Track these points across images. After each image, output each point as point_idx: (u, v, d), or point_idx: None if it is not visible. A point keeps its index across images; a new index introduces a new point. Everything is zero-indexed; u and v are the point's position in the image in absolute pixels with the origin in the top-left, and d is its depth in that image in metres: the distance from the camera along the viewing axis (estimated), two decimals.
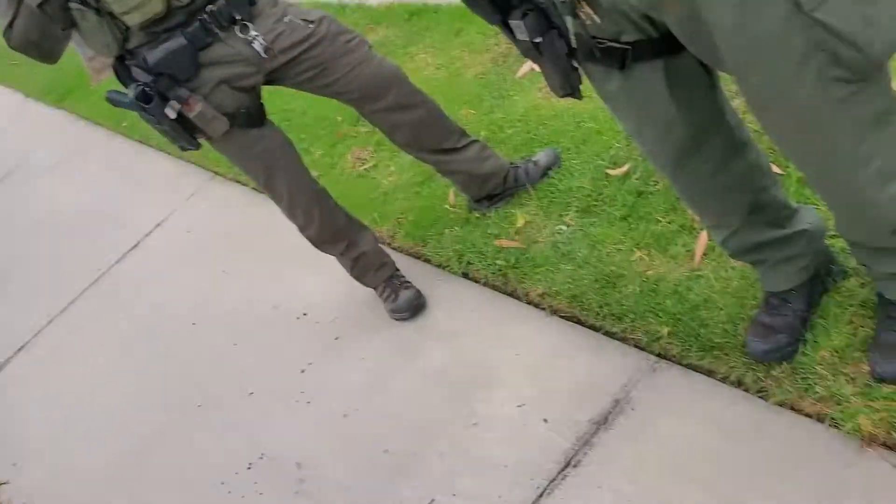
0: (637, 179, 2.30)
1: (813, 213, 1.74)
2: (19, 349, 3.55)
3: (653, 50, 1.30)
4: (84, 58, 6.34)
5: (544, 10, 1.27)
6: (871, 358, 1.61)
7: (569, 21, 1.26)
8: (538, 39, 1.30)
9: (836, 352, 1.67)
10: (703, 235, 2.04)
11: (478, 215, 2.56)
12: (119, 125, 5.17)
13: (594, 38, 1.29)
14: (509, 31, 1.33)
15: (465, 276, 2.45)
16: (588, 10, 1.22)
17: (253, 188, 3.54)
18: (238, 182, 3.69)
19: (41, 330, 3.56)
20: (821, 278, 1.76)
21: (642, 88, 1.35)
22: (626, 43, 1.28)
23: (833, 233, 1.82)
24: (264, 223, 3.26)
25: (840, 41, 1.13)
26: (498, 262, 2.35)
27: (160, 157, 4.49)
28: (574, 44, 1.30)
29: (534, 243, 2.35)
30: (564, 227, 2.33)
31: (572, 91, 1.38)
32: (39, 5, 1.87)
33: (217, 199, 3.72)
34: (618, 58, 1.31)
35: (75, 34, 2.02)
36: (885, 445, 1.51)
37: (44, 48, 2.03)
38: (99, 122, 5.52)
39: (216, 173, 3.89)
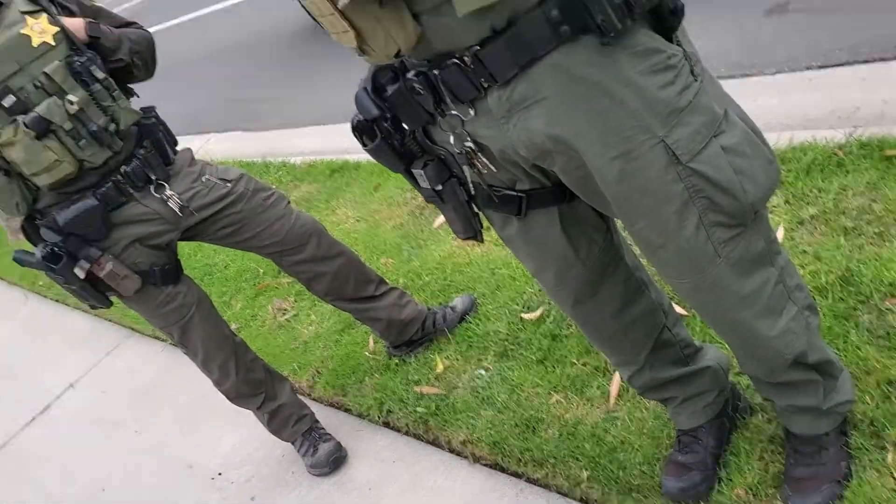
0: (551, 323, 2.35)
1: (716, 351, 1.80)
2: None
3: (547, 198, 1.37)
4: (1, 219, 6.29)
5: (444, 160, 1.34)
6: (783, 494, 1.62)
7: (466, 170, 1.33)
8: (439, 187, 1.36)
9: (751, 489, 1.68)
10: (617, 377, 2.07)
11: (397, 361, 2.55)
12: (34, 284, 5.06)
13: (491, 186, 1.36)
14: (413, 178, 1.39)
15: (387, 424, 2.41)
16: (483, 160, 1.30)
17: (172, 343, 3.47)
18: (157, 338, 3.61)
19: None
20: (729, 415, 1.79)
21: (539, 233, 1.42)
22: (522, 191, 1.35)
23: (738, 370, 1.89)
24: (183, 379, 3.18)
25: (716, 189, 1.22)
26: (419, 409, 2.33)
27: (77, 316, 4.39)
28: (473, 191, 1.36)
29: (454, 389, 2.34)
30: (483, 372, 2.34)
31: (474, 234, 1.44)
32: None
33: (134, 357, 3.62)
34: (515, 205, 1.37)
35: None
36: None
37: None
38: (14, 282, 5.40)
39: (134, 330, 3.81)
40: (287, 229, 2.24)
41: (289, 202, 2.30)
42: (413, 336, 2.52)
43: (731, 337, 1.46)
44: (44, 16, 1.91)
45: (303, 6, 1.17)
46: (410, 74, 1.24)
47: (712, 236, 1.27)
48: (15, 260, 2.07)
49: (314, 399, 2.67)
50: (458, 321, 2.54)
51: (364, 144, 1.39)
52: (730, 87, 1.34)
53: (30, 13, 1.90)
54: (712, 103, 1.21)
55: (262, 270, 3.54)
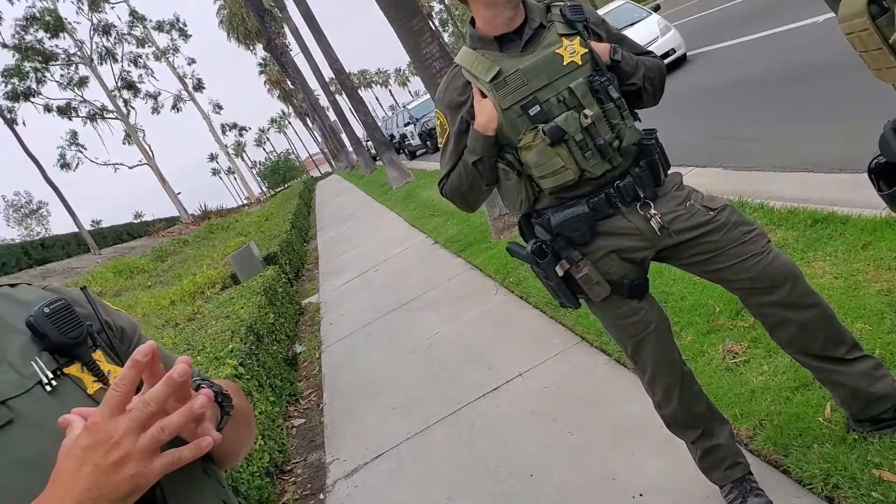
0: None
1: None
2: (377, 456, 3.93)
3: None
4: (489, 217, 7.16)
5: None
6: None
7: None
8: None
9: None
10: None
11: (856, 436, 2.29)
12: (506, 279, 5.67)
13: None
14: None
15: (829, 500, 2.18)
16: None
17: (616, 359, 3.60)
18: (602, 351, 3.78)
19: (399, 444, 3.92)
20: None
21: None
22: None
23: None
24: (620, 395, 3.28)
25: None
26: (874, 494, 2.06)
27: (534, 315, 4.81)
28: None
29: None
30: None
31: None
32: (474, 163, 2.18)
33: (579, 363, 3.83)
34: None
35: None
36: None
37: (468, 198, 2.32)
38: (489, 274, 6.11)
39: (583, 338, 4.03)
40: (761, 267, 2.15)
41: (769, 241, 2.21)
42: (882, 414, 2.24)
43: None
44: (577, 38, 2.12)
45: (849, 41, 1.13)
46: None
47: None
48: (508, 250, 2.34)
49: (751, 450, 2.53)
50: None
51: (880, 189, 1.29)
52: None
53: (566, 35, 2.12)
54: None
55: (718, 309, 3.47)
